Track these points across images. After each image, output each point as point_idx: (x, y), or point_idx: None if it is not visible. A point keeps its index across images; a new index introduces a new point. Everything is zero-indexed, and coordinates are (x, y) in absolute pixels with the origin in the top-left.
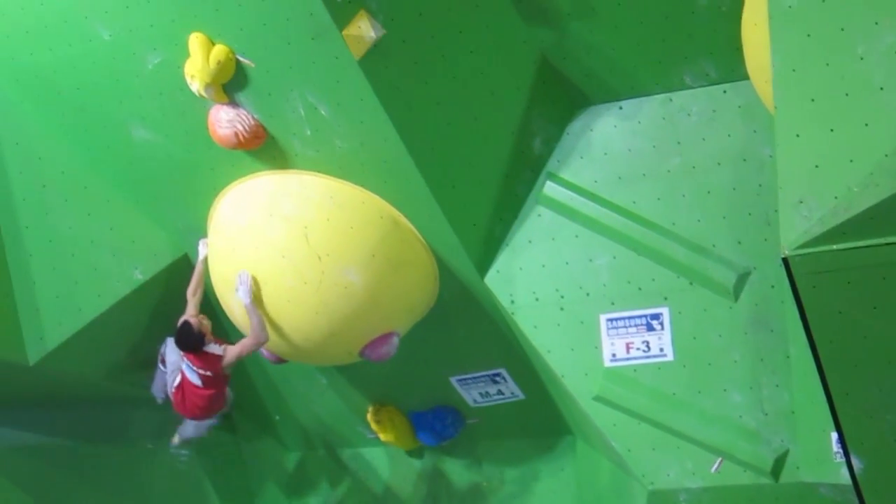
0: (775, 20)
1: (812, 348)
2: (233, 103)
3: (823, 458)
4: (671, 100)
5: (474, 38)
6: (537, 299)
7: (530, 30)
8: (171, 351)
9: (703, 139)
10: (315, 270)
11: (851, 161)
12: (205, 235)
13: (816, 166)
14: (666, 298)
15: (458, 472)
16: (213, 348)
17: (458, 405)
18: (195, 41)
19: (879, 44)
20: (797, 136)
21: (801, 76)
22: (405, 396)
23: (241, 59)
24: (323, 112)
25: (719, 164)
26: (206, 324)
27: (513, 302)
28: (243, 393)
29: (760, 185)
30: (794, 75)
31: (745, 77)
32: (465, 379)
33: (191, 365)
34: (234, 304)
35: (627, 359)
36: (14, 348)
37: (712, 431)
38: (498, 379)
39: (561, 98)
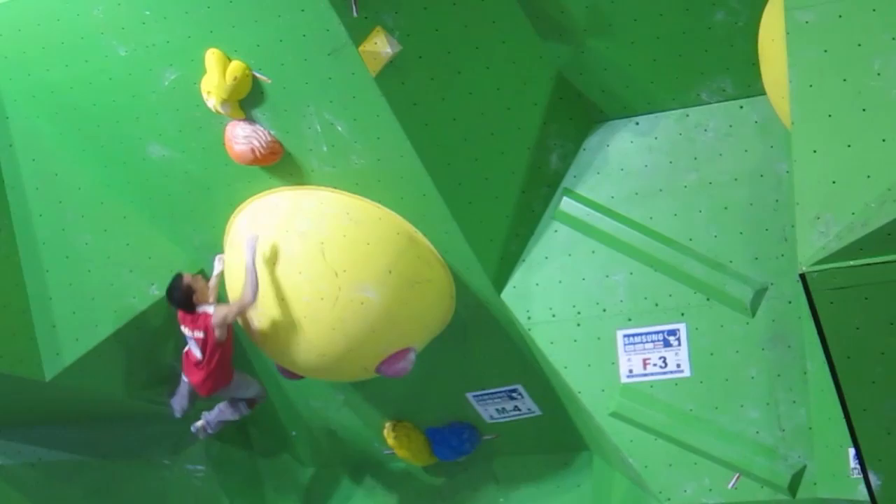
0: (792, 36)
1: (829, 364)
2: (249, 119)
3: (841, 475)
4: (688, 115)
5: (491, 54)
6: (554, 315)
7: (547, 46)
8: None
9: (720, 155)
10: (331, 286)
11: (868, 177)
12: (221, 252)
13: (833, 182)
14: (683, 314)
15: (474, 488)
16: (205, 308)
17: (474, 421)
18: (211, 57)
19: None
20: (814, 151)
21: (818, 92)
22: (421, 412)
23: (257, 75)
24: (339, 128)
25: (736, 179)
26: (202, 284)
27: (529, 318)
28: (259, 408)
29: (777, 201)
30: (810, 91)
31: (762, 92)
32: (481, 395)
33: (189, 331)
34: (253, 318)
35: (644, 375)
36: (30, 364)
37: (729, 447)
38: (514, 395)
39: (577, 114)
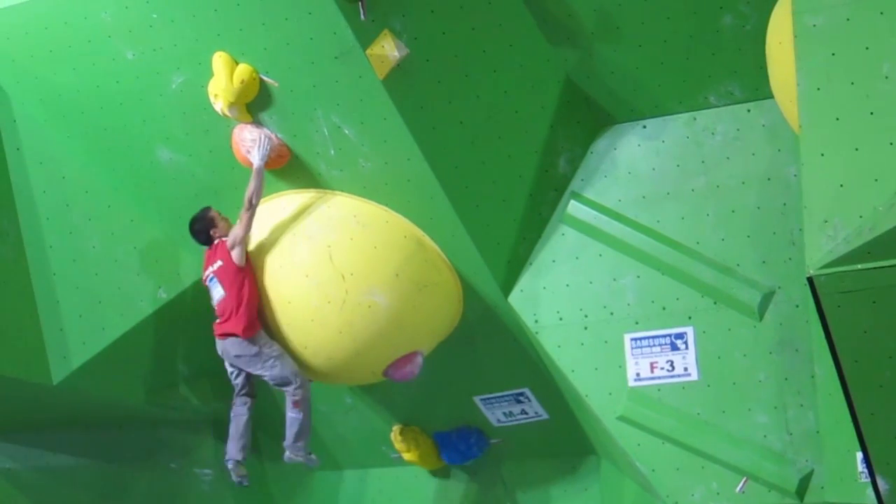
0: (800, 39)
1: (837, 368)
2: (257, 123)
3: (849, 479)
4: (695, 119)
5: (498, 58)
6: (561, 319)
7: (554, 49)
8: None
9: (728, 158)
10: (339, 290)
11: (877, 180)
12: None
13: (841, 186)
14: (690, 318)
15: (482, 492)
16: (221, 238)
17: (481, 425)
18: (219, 61)
19: None
20: (822, 155)
21: (826, 95)
22: (429, 416)
23: (264, 78)
24: (347, 132)
25: (744, 183)
26: (225, 224)
27: (537, 321)
28: (267, 413)
29: (785, 205)
30: (819, 94)
31: (770, 96)
32: (489, 399)
33: (209, 271)
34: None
35: (652, 378)
36: (38, 368)
37: (737, 451)
38: (522, 399)
39: (585, 117)
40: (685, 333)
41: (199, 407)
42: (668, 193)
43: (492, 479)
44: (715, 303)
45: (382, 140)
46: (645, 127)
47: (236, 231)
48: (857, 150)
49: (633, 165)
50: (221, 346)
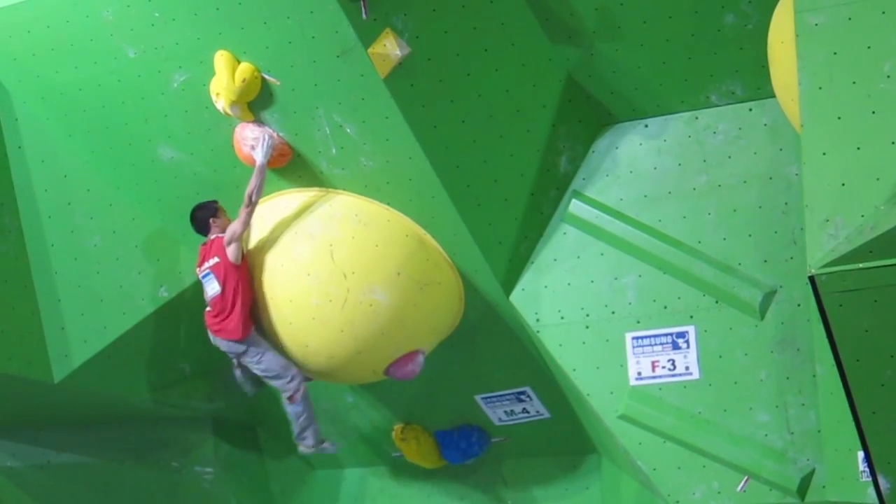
0: (802, 38)
1: (839, 367)
2: (258, 121)
3: (850, 478)
4: (697, 118)
5: (500, 57)
6: (563, 318)
7: (556, 48)
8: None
9: (729, 157)
10: (340, 288)
11: (878, 179)
12: None
13: (843, 185)
14: (692, 317)
15: (483, 490)
16: (218, 233)
17: (483, 424)
18: (221, 59)
19: None
20: (824, 154)
21: (828, 94)
22: (430, 415)
23: (266, 77)
24: (348, 130)
25: (745, 182)
26: (226, 220)
27: (538, 320)
28: (269, 411)
29: (787, 204)
30: (820, 93)
31: (772, 95)
32: (490, 397)
33: (205, 268)
34: (262, 319)
35: (653, 377)
36: (39, 366)
37: (738, 450)
38: (523, 397)
39: (587, 116)
40: (686, 332)
41: (201, 405)
42: (669, 192)
43: (493, 477)
44: (716, 302)
45: (384, 139)
46: (646, 126)
47: (234, 227)
48: (858, 149)
49: (635, 164)
50: (212, 338)
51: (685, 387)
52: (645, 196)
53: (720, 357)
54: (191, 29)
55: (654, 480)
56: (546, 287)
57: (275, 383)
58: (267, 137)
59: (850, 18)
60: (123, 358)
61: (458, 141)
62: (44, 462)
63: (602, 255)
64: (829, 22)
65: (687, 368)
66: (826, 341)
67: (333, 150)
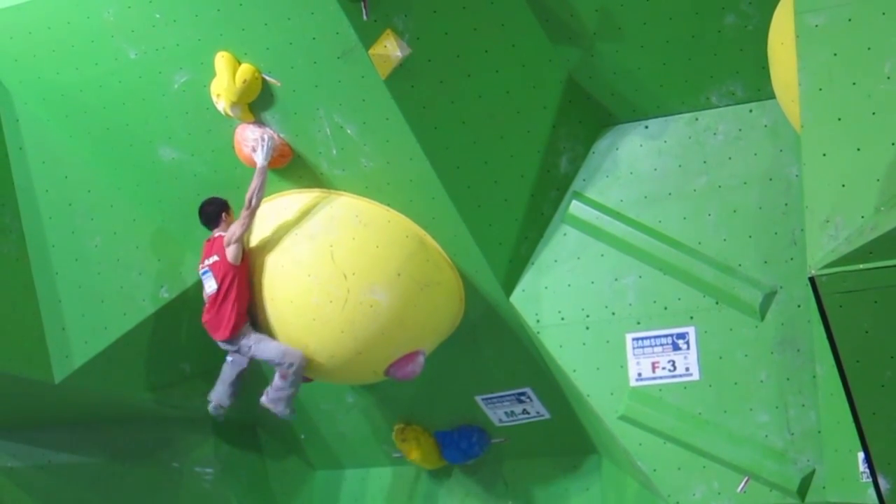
0: (802, 39)
1: (839, 368)
2: (259, 122)
3: (850, 478)
4: (697, 119)
5: (500, 58)
6: (563, 318)
7: (557, 49)
8: None
9: (730, 158)
10: (341, 289)
11: (878, 180)
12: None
13: (843, 185)
14: (692, 318)
15: (483, 491)
16: (221, 232)
17: (483, 424)
18: (221, 60)
19: None
20: (824, 155)
21: (828, 95)
22: (431, 415)
23: (267, 77)
24: (349, 131)
25: (745, 183)
26: (234, 219)
27: (538, 321)
28: (268, 411)
29: (787, 205)
30: (820, 94)
31: (772, 96)
32: (490, 398)
33: (205, 265)
34: (263, 320)
35: (653, 378)
36: (40, 367)
37: (738, 451)
38: (524, 398)
39: (587, 117)
40: (687, 333)
41: (201, 405)
42: (669, 193)
43: (493, 478)
44: (716, 302)
45: (384, 139)
46: (647, 127)
47: (234, 229)
48: (858, 150)
49: (635, 165)
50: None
51: (685, 387)
52: (645, 197)
53: (720, 358)
54: (192, 30)
55: (654, 481)
56: (546, 288)
57: (276, 368)
58: (267, 139)
59: (850, 19)
60: (124, 358)
61: (459, 142)
62: (44, 462)
63: (602, 255)
64: (830, 23)
65: (687, 369)
66: (826, 342)
67: (334, 151)
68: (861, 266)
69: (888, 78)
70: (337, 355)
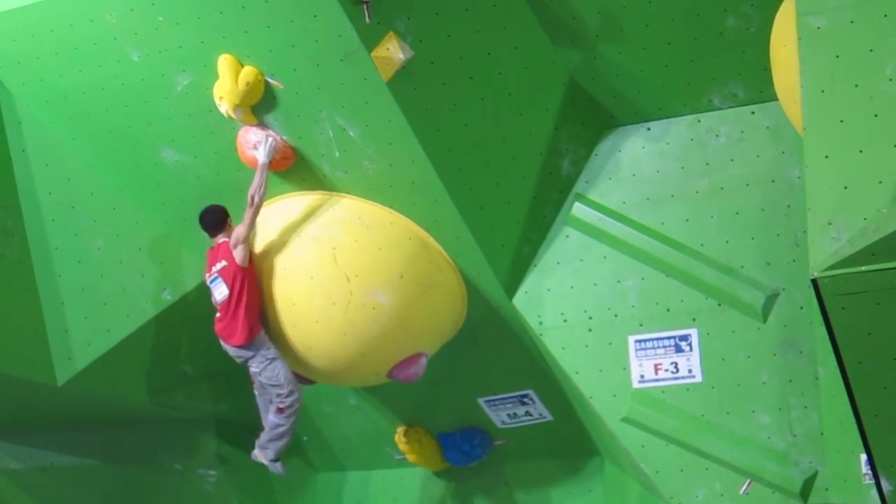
0: (804, 41)
1: (841, 370)
2: (261, 125)
3: (853, 480)
4: (699, 121)
5: (503, 60)
6: (565, 320)
7: (559, 51)
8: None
9: (732, 160)
10: (343, 291)
11: (880, 182)
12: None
13: (845, 187)
14: (694, 320)
15: (485, 493)
16: (223, 238)
17: (485, 426)
18: (224, 63)
19: None
20: (826, 157)
21: (830, 97)
22: (433, 417)
23: (269, 80)
24: (351, 133)
25: (748, 185)
26: (233, 225)
27: (541, 323)
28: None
29: (789, 207)
30: (822, 96)
31: (774, 98)
32: (492, 400)
33: (213, 272)
34: (266, 322)
35: (656, 380)
36: (43, 369)
37: (741, 453)
38: (526, 400)
39: (589, 119)
40: (689, 335)
41: (204, 407)
42: (672, 195)
43: (495, 480)
44: (719, 304)
45: (387, 142)
46: (649, 129)
47: (239, 230)
48: (860, 151)
49: (637, 167)
50: (223, 344)
51: (688, 389)
52: (647, 199)
53: (723, 359)
54: (194, 32)
55: (656, 483)
56: (549, 290)
57: (275, 391)
58: (270, 140)
59: (851, 21)
60: (127, 360)
61: (461, 144)
62: (47, 464)
63: (605, 257)
64: (831, 25)
65: (689, 371)
66: (828, 344)
67: (336, 153)
68: (863, 268)
69: (890, 80)
70: (339, 357)
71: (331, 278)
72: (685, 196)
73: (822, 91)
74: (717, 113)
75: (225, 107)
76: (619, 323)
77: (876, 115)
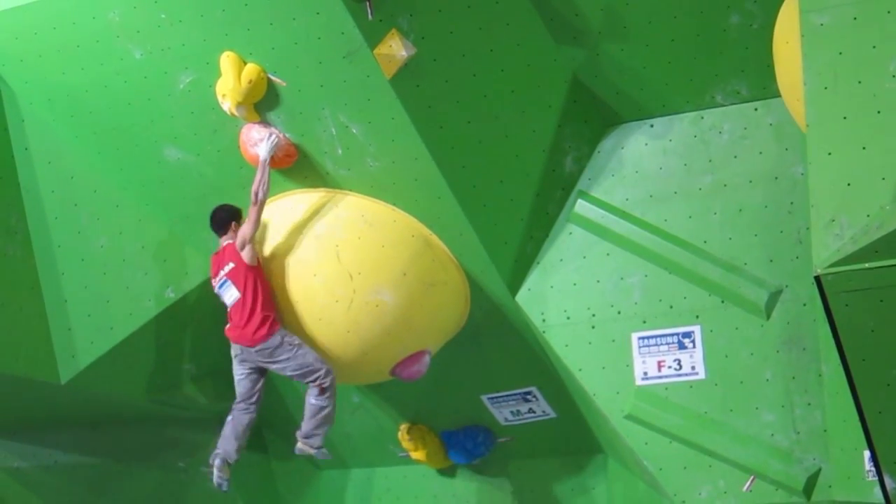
0: (807, 38)
1: (844, 366)
2: (264, 122)
3: (856, 477)
4: (702, 118)
5: (505, 57)
6: (569, 318)
7: (561, 48)
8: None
9: (735, 157)
10: (346, 289)
11: (884, 179)
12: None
13: (848, 184)
14: (697, 317)
15: (489, 490)
16: (228, 240)
17: (489, 424)
18: (227, 60)
19: None
20: (829, 154)
21: (833, 94)
22: (436, 415)
23: (272, 78)
24: (354, 131)
25: (751, 182)
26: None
27: (544, 320)
28: (274, 411)
29: (792, 204)
30: (825, 93)
31: (777, 95)
32: (496, 397)
33: (221, 277)
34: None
35: (659, 377)
36: (46, 367)
37: (744, 450)
38: (529, 397)
39: (592, 116)
40: (692, 332)
41: (207, 406)
42: (675, 192)
43: (499, 477)
44: (722, 301)
45: (390, 139)
46: (652, 126)
47: (244, 230)
48: (864, 148)
49: (641, 164)
50: (240, 351)
51: (691, 386)
52: (651, 196)
53: (726, 357)
54: (197, 30)
55: (660, 480)
56: (552, 287)
57: (309, 379)
58: (273, 137)
59: (855, 18)
60: (130, 359)
61: (464, 141)
62: (50, 463)
63: (608, 254)
64: (835, 22)
65: (693, 368)
66: (832, 341)
67: (339, 151)
68: (867, 265)
69: (893, 77)
70: (343, 355)
71: (334, 276)
72: (688, 193)
73: (826, 88)
74: (720, 110)
75: (228, 104)
76: (623, 320)
77: (879, 112)
